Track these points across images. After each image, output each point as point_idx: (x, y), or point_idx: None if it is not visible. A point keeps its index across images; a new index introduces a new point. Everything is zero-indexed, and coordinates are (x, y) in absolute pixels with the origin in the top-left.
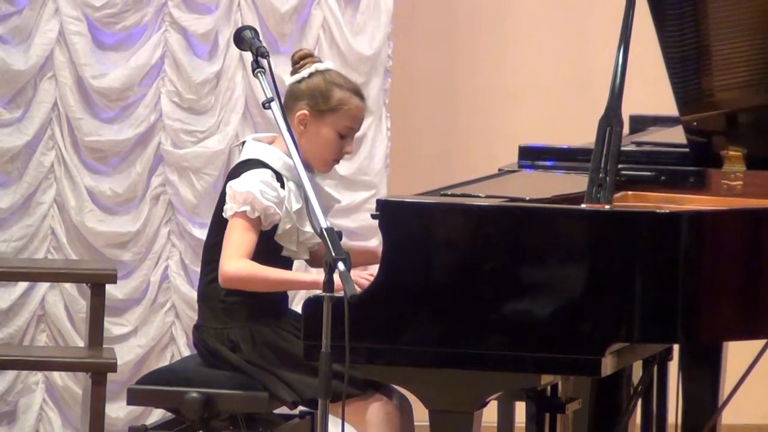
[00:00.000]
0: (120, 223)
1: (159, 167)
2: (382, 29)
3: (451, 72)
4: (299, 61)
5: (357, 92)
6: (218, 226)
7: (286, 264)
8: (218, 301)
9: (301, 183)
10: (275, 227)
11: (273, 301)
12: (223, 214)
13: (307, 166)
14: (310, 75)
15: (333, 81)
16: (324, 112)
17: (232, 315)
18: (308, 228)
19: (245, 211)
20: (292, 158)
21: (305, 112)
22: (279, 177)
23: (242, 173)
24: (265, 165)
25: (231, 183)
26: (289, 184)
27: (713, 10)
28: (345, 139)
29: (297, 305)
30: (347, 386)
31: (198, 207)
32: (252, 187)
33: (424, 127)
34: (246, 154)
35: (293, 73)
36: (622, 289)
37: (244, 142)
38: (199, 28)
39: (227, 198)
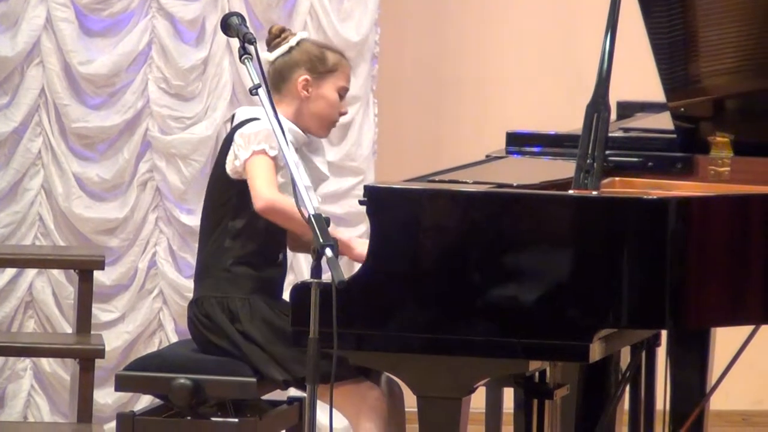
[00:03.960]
0: (107, 210)
1: (146, 153)
2: (369, 15)
3: (439, 58)
4: (280, 34)
5: (344, 54)
6: (217, 191)
7: (284, 236)
8: (223, 270)
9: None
10: None
11: (271, 281)
12: (231, 165)
13: (297, 138)
14: (299, 43)
15: (323, 45)
16: (324, 74)
17: (234, 285)
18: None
19: (264, 149)
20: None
21: (307, 77)
22: None
23: (238, 130)
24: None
25: (241, 131)
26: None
27: None
28: (342, 100)
29: (285, 290)
30: (336, 369)
31: (186, 193)
32: (265, 127)
33: (412, 114)
34: (239, 119)
35: (275, 47)
36: (610, 275)
37: (233, 115)
38: (186, 14)
39: (236, 146)
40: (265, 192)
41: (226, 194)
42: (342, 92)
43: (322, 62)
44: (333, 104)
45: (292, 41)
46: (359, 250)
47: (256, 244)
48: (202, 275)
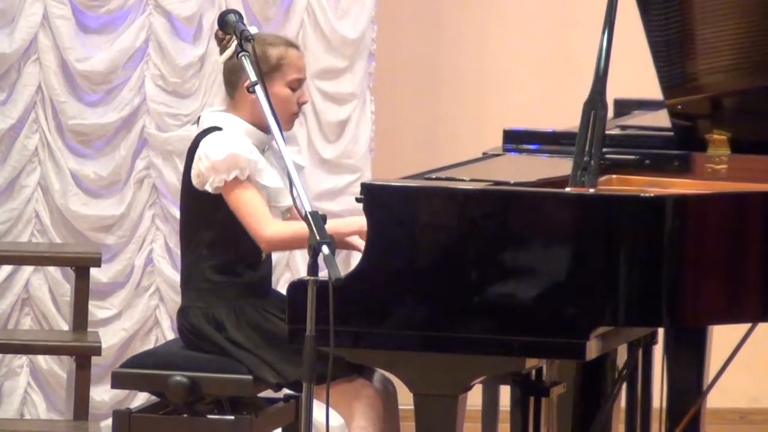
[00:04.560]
0: (104, 207)
1: (143, 151)
2: (366, 13)
3: (436, 55)
4: (224, 37)
5: (290, 44)
6: (188, 205)
7: None
8: (204, 280)
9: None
10: None
11: (258, 281)
12: (202, 184)
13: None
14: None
15: (265, 41)
16: (268, 73)
17: (217, 294)
18: (271, 184)
19: (236, 177)
20: (275, 136)
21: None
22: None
23: (201, 140)
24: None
25: (205, 152)
26: (251, 147)
27: None
28: (297, 91)
29: (282, 287)
30: (332, 367)
31: None
32: (229, 147)
33: (409, 111)
34: (203, 125)
35: (222, 50)
36: (607, 273)
37: (199, 118)
38: (183, 11)
39: (205, 169)
40: (261, 233)
41: (197, 205)
42: (294, 84)
43: (265, 62)
44: (285, 99)
45: (234, 43)
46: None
47: (233, 252)
48: (185, 284)
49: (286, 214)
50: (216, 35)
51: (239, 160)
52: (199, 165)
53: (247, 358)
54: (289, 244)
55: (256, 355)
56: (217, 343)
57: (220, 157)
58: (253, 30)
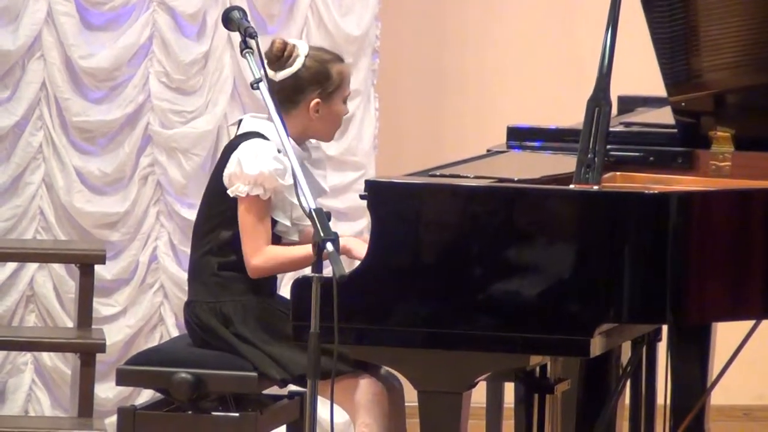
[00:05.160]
0: (108, 204)
1: (147, 147)
2: (370, 10)
3: (440, 52)
4: (282, 54)
5: (340, 58)
6: (212, 201)
7: (277, 243)
8: (212, 275)
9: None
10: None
11: (263, 281)
12: (228, 188)
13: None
14: (304, 63)
15: (324, 59)
16: (332, 92)
17: (225, 289)
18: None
19: (258, 195)
20: (281, 138)
21: (318, 100)
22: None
23: (242, 143)
24: (265, 138)
25: (240, 158)
26: (285, 160)
27: None
28: (345, 104)
29: (286, 285)
30: (336, 364)
31: (186, 187)
32: (262, 165)
33: (413, 108)
34: (245, 129)
35: (280, 67)
36: (611, 270)
37: (240, 120)
38: (187, 8)
39: (234, 175)
40: (251, 259)
41: (222, 205)
42: (347, 99)
43: (329, 80)
44: (342, 114)
45: (299, 62)
46: (357, 251)
47: (240, 255)
48: (193, 277)
49: (304, 230)
50: (272, 48)
51: (268, 181)
52: (231, 167)
53: (253, 353)
54: (277, 271)
55: (261, 350)
56: (223, 337)
57: (252, 172)
58: (303, 47)
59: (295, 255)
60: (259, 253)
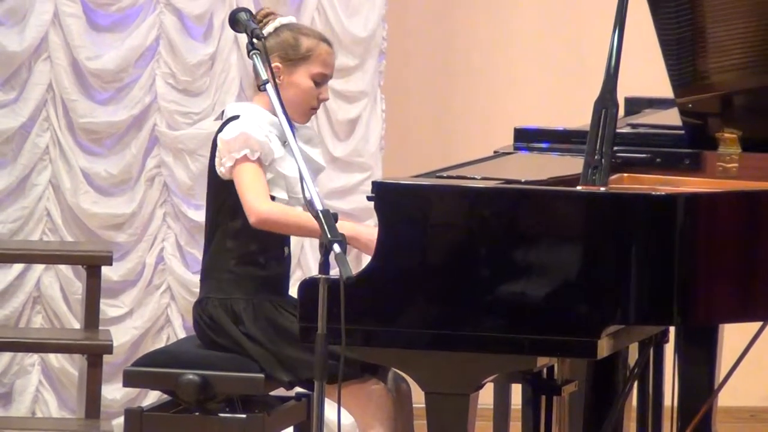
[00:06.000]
0: (115, 205)
1: (154, 149)
2: (377, 11)
3: (446, 54)
4: (263, 19)
5: (324, 39)
6: (213, 195)
7: None
8: (226, 271)
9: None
10: None
11: (277, 278)
12: (219, 169)
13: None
14: (276, 30)
15: (300, 31)
16: (295, 61)
17: (238, 286)
18: (291, 173)
19: (245, 155)
20: (282, 127)
21: (277, 64)
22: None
23: (224, 127)
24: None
25: (220, 137)
26: (271, 136)
27: None
28: (320, 86)
29: (294, 286)
30: (344, 367)
31: (193, 188)
32: (242, 128)
33: (419, 109)
34: (227, 115)
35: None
36: (618, 271)
37: (222, 112)
38: (194, 9)
39: (219, 152)
40: (255, 206)
41: (222, 195)
42: (318, 78)
43: (295, 49)
44: (306, 91)
45: (270, 27)
46: (366, 238)
47: (258, 242)
48: (206, 276)
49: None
50: (255, 16)
51: (251, 140)
52: (218, 148)
53: (261, 353)
54: (281, 226)
55: (270, 351)
56: (233, 335)
57: (232, 136)
58: (286, 19)
59: (303, 217)
60: (263, 201)
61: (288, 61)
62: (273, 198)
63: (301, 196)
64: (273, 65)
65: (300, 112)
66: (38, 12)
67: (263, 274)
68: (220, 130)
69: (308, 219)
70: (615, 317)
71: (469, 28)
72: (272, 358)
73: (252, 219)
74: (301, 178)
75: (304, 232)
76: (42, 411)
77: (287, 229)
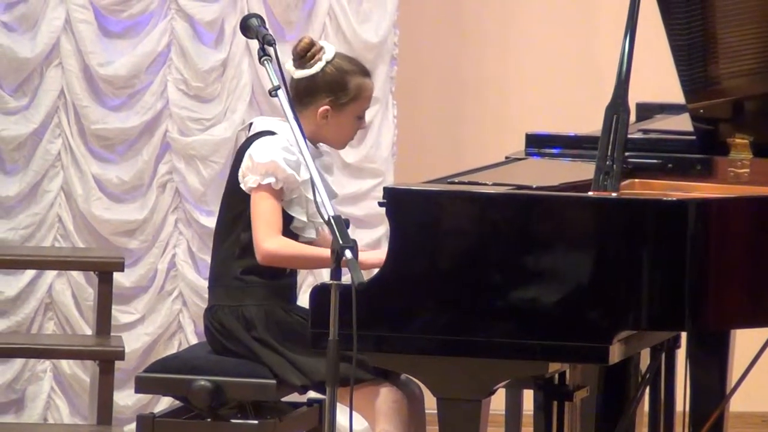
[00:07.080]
0: (127, 211)
1: (166, 155)
2: (388, 17)
3: (458, 59)
4: (305, 54)
5: (365, 72)
6: (231, 203)
7: (294, 239)
8: (234, 278)
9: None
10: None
11: (286, 287)
12: (242, 185)
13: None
14: (323, 68)
15: (345, 69)
16: (344, 104)
17: (247, 293)
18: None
19: (270, 184)
20: (299, 146)
21: (327, 107)
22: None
23: (254, 142)
24: (275, 134)
25: (251, 153)
26: (297, 154)
27: None
28: (361, 119)
29: (305, 292)
30: (356, 371)
31: (205, 195)
32: (273, 155)
33: (431, 115)
34: (256, 129)
35: (300, 66)
36: (630, 277)
37: (251, 124)
38: (205, 15)
39: (246, 168)
40: (263, 244)
41: (240, 206)
42: (362, 114)
43: (344, 91)
44: (350, 129)
45: (317, 66)
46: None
47: None
48: (214, 283)
49: (319, 233)
50: (299, 43)
51: (279, 170)
52: (244, 165)
53: (273, 358)
54: (287, 263)
55: (282, 356)
56: (244, 341)
57: (262, 160)
58: (331, 49)
59: (308, 251)
60: (271, 238)
61: (338, 104)
62: (291, 218)
63: (319, 219)
64: (322, 108)
65: (341, 143)
66: (50, 18)
67: (271, 283)
68: (249, 143)
69: (314, 253)
70: (627, 323)
71: (481, 33)
72: (284, 362)
73: (259, 257)
74: (313, 186)
75: (310, 265)
76: (54, 417)
77: (292, 262)
